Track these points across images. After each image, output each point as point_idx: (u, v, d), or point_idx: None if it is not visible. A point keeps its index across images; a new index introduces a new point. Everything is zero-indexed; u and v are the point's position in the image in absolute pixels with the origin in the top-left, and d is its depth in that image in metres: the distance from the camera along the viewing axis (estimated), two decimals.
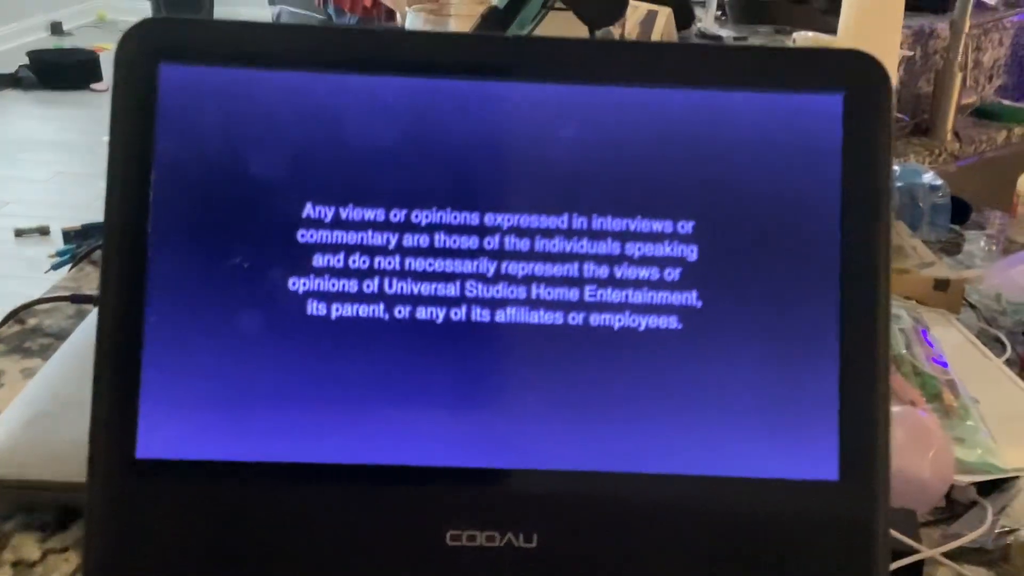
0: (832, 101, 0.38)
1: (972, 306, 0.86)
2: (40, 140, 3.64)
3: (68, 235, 0.79)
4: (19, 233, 2.82)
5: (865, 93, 0.38)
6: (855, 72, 0.38)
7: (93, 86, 4.24)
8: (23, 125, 3.82)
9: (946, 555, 0.50)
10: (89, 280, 0.75)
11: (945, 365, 0.72)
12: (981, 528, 0.53)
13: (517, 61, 0.38)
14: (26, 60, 4.27)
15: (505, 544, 0.37)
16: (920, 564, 0.49)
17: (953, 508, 0.56)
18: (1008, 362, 0.75)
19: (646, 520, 0.37)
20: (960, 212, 1.07)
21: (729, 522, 0.37)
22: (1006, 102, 2.02)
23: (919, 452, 0.55)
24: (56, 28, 5.09)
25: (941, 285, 0.84)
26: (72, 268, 0.76)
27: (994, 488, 0.57)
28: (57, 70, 4.23)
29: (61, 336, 0.65)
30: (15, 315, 0.68)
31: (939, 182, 1.04)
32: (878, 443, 0.37)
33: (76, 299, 0.69)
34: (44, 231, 2.82)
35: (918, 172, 1.05)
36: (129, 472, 0.37)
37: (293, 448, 0.37)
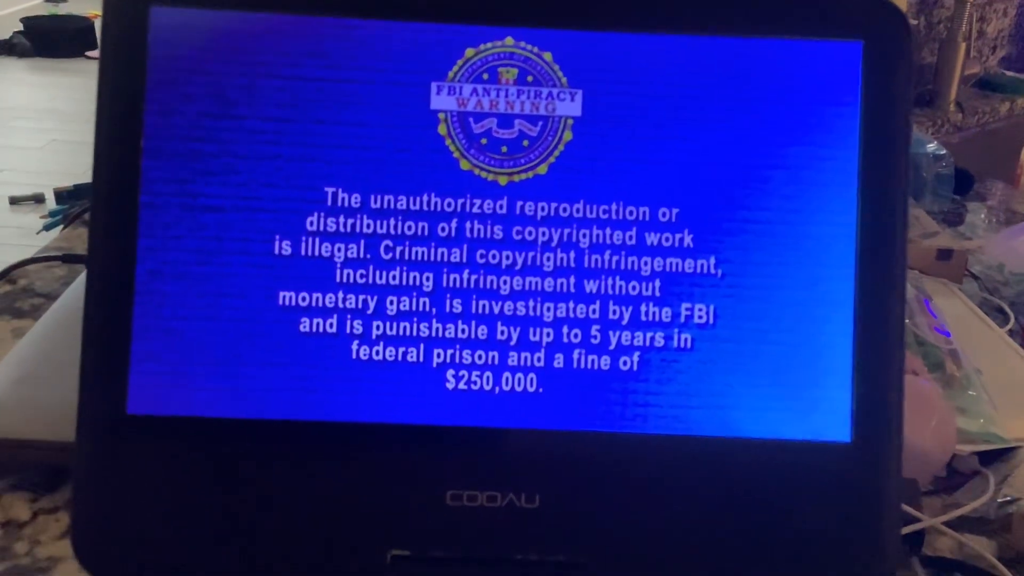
0: (851, 48, 0.37)
1: (974, 276, 0.85)
2: (35, 108, 3.61)
3: (60, 195, 0.79)
4: (14, 201, 2.81)
5: (885, 41, 0.37)
6: (875, 20, 0.37)
7: (88, 53, 4.21)
8: (17, 92, 3.79)
9: (947, 524, 0.50)
10: (81, 240, 0.74)
11: (947, 335, 0.71)
12: (983, 498, 0.52)
13: (509, 4, 0.37)
14: (20, 27, 4.25)
15: (506, 504, 0.36)
16: (921, 533, 0.49)
17: (955, 478, 0.55)
18: (1011, 332, 0.75)
19: (652, 482, 0.37)
20: (962, 183, 1.06)
21: (738, 484, 0.37)
22: (1009, 73, 2.01)
23: (921, 422, 0.55)
24: None
25: (944, 255, 0.84)
26: (64, 228, 0.75)
27: (996, 458, 0.57)
28: (52, 37, 4.21)
29: (52, 296, 0.64)
30: (6, 275, 0.67)
31: (942, 152, 1.03)
32: (891, 406, 0.36)
33: (67, 259, 0.68)
34: (39, 199, 2.80)
35: (922, 142, 1.04)
36: (120, 428, 0.36)
37: (287, 405, 0.36)
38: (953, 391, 0.64)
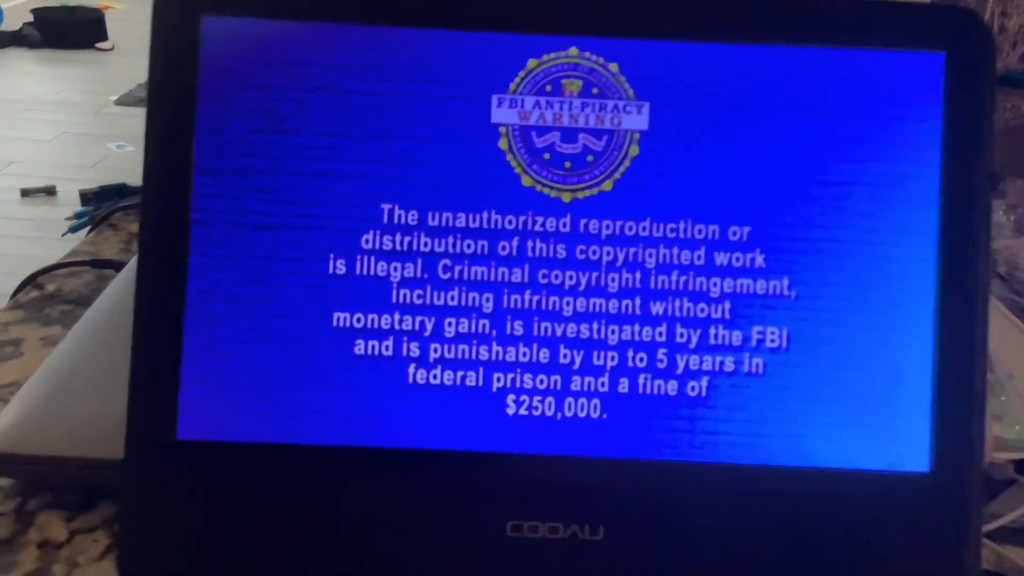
0: (932, 60, 0.35)
1: (1002, 278, 0.84)
2: (45, 99, 3.61)
3: (85, 197, 0.77)
4: (25, 193, 2.80)
5: (968, 52, 0.35)
6: (957, 30, 0.35)
7: (98, 45, 4.20)
8: (28, 84, 3.78)
9: (985, 535, 0.48)
10: (109, 244, 0.72)
11: None
12: (1021, 507, 0.51)
13: (573, 13, 0.36)
14: (31, 18, 4.24)
15: (569, 536, 0.35)
16: None
17: (992, 487, 0.54)
18: None
19: (722, 513, 0.35)
20: None
21: (812, 515, 0.35)
22: None
23: None
24: None
25: None
26: (90, 231, 0.74)
27: None
28: (62, 29, 4.20)
29: (81, 303, 0.63)
30: (32, 280, 0.66)
31: None
32: (972, 435, 0.35)
33: (97, 264, 0.67)
34: (50, 191, 2.80)
35: None
36: (169, 454, 0.35)
37: (341, 431, 0.35)
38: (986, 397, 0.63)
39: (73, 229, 0.75)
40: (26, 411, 0.48)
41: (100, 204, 0.77)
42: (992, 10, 1.72)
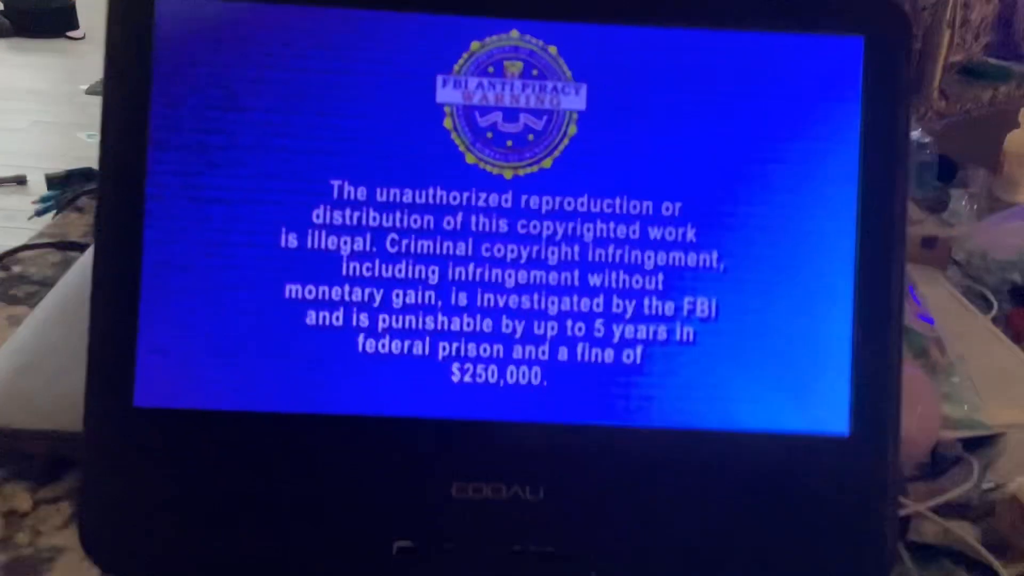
0: (852, 43, 0.37)
1: (958, 263, 0.86)
2: (16, 88, 3.57)
3: (52, 181, 0.78)
4: None
5: (886, 36, 0.37)
6: (876, 15, 0.37)
7: (69, 34, 4.16)
8: None
9: (932, 510, 0.50)
10: (74, 227, 0.73)
11: (931, 322, 0.71)
12: (967, 484, 0.52)
13: None
14: (1, 7, 4.19)
15: (511, 496, 0.36)
16: (907, 519, 0.49)
17: (939, 464, 0.55)
18: (994, 319, 0.75)
19: (655, 474, 0.37)
20: (946, 170, 1.06)
21: (738, 476, 0.37)
22: (993, 60, 2.01)
23: (906, 408, 0.54)
24: None
25: (928, 243, 0.84)
26: (56, 215, 0.75)
27: (979, 444, 0.57)
28: (33, 17, 4.15)
29: (47, 283, 0.64)
30: (0, 262, 0.67)
31: (926, 139, 1.04)
32: (889, 400, 0.37)
33: (62, 246, 0.68)
34: (21, 180, 2.78)
35: None
36: (127, 420, 0.36)
37: (294, 398, 0.36)
38: (937, 378, 0.64)
39: (39, 213, 0.76)
40: None
41: (66, 188, 0.77)
42: (955, 2, 1.74)
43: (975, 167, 1.14)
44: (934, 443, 0.56)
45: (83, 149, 3.03)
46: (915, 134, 1.04)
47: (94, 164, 0.36)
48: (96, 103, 0.36)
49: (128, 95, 0.36)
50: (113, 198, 0.36)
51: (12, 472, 0.48)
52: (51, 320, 0.54)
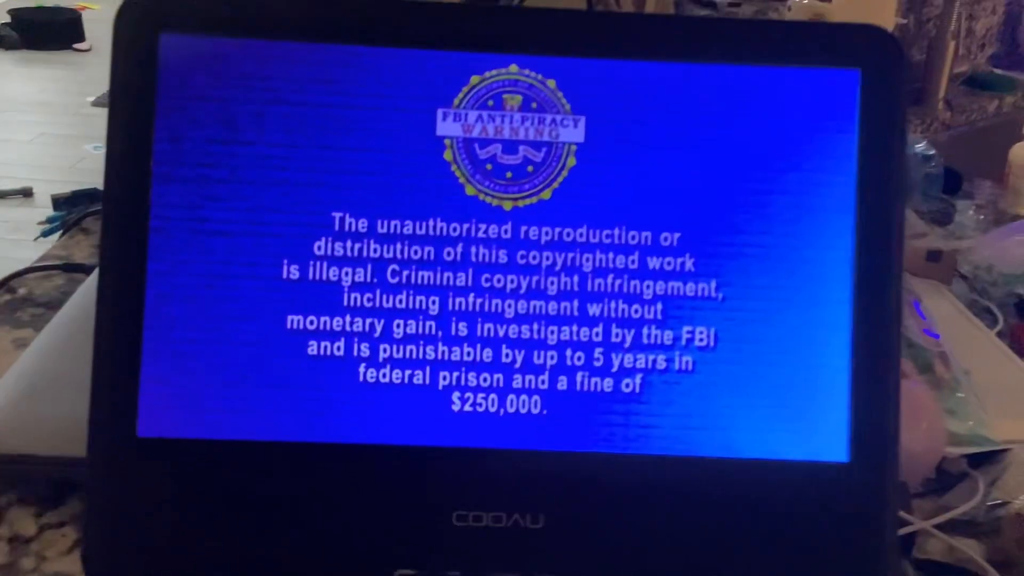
0: (848, 76, 0.37)
1: (964, 277, 0.85)
2: (23, 100, 3.59)
3: (58, 201, 0.78)
4: (2, 195, 2.79)
5: (882, 69, 0.37)
6: (872, 48, 0.37)
7: (76, 46, 4.18)
8: (5, 85, 3.76)
9: (937, 527, 0.50)
10: (80, 248, 0.74)
11: (937, 337, 0.71)
12: (972, 500, 0.52)
13: (513, 33, 0.38)
14: (8, 19, 4.21)
15: (512, 524, 0.37)
16: (912, 536, 0.49)
17: (944, 480, 0.55)
18: (999, 334, 0.75)
19: (655, 502, 0.37)
20: (951, 182, 1.06)
21: (738, 504, 0.37)
22: (998, 71, 2.01)
23: (911, 424, 0.55)
24: None
25: (933, 256, 0.84)
26: (63, 236, 0.75)
27: (985, 460, 0.57)
28: (40, 29, 4.16)
29: (52, 305, 0.64)
30: (5, 284, 0.67)
31: (931, 152, 1.03)
32: (888, 426, 0.37)
33: (68, 268, 0.68)
34: (27, 192, 2.79)
35: (910, 142, 1.04)
36: (131, 451, 0.36)
37: (295, 428, 0.37)
38: (942, 393, 0.64)
39: (45, 233, 0.77)
40: None
41: (72, 209, 0.78)
42: (959, 13, 1.75)
43: (981, 179, 1.14)
44: (939, 459, 0.56)
45: (89, 161, 3.04)
46: (920, 146, 1.03)
47: (99, 176, 0.37)
48: (102, 115, 0.37)
49: (132, 129, 0.37)
50: (117, 231, 0.37)
51: (17, 497, 0.48)
52: (56, 344, 0.55)
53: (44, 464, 0.48)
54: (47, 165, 3.00)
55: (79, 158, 3.05)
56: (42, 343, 0.55)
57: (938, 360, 0.68)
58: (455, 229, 0.37)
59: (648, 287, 0.38)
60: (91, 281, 0.62)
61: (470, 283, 0.37)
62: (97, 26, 4.26)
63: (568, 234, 0.38)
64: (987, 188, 1.12)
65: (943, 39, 1.73)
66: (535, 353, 0.37)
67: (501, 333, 0.37)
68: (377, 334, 0.37)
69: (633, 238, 0.38)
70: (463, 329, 0.37)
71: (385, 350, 0.37)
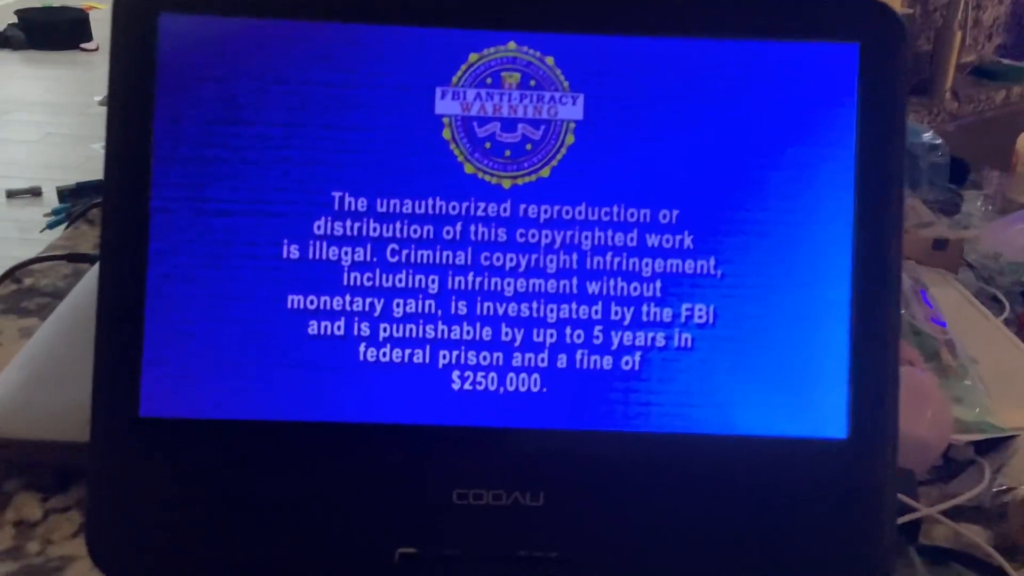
0: (847, 51, 0.37)
1: (970, 266, 0.85)
2: (30, 101, 3.60)
3: (63, 194, 0.79)
4: (11, 194, 2.80)
5: (881, 43, 0.37)
6: (871, 22, 0.37)
7: (83, 45, 4.19)
8: (13, 85, 3.77)
9: (944, 513, 0.50)
10: (85, 239, 0.74)
11: (943, 325, 0.71)
12: (979, 487, 0.52)
13: (511, 10, 0.38)
14: (15, 19, 4.22)
15: (512, 502, 0.37)
16: (918, 522, 0.49)
17: (951, 467, 0.55)
18: (1006, 321, 0.75)
19: (654, 479, 0.37)
20: (958, 172, 1.06)
21: (738, 480, 0.37)
22: (1005, 61, 2.01)
23: (917, 411, 0.55)
24: None
25: (940, 245, 0.84)
26: (68, 227, 0.75)
27: (991, 447, 0.57)
28: (46, 29, 4.18)
29: (58, 295, 0.65)
30: (11, 274, 0.68)
31: (938, 141, 1.03)
32: (887, 403, 0.37)
33: (72, 258, 0.69)
34: (36, 192, 2.79)
35: (917, 132, 1.04)
36: (132, 431, 0.36)
37: (296, 407, 0.37)
38: (949, 381, 0.64)
39: (51, 225, 0.77)
40: (2, 397, 0.50)
41: (77, 200, 0.78)
42: (966, 3, 1.74)
43: (988, 169, 1.14)
44: (946, 446, 0.56)
45: (97, 160, 3.02)
46: (927, 136, 1.03)
47: None
48: None
49: (132, 109, 0.37)
50: (118, 212, 0.37)
51: (23, 482, 0.48)
52: (61, 332, 0.55)
53: (50, 449, 0.48)
54: (55, 165, 3.01)
55: (87, 157, 3.06)
56: (47, 331, 0.56)
57: (945, 348, 0.68)
58: (454, 208, 0.37)
59: (647, 265, 0.38)
60: (95, 270, 0.62)
61: (469, 262, 0.37)
62: (104, 26, 4.25)
63: (567, 212, 0.38)
64: (994, 178, 1.11)
65: (950, 29, 1.73)
66: (535, 331, 0.37)
67: (501, 311, 0.37)
68: (377, 313, 0.37)
69: (632, 215, 0.38)
70: (463, 308, 0.37)
71: (385, 329, 0.37)
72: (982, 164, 1.14)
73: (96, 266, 0.63)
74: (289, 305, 0.37)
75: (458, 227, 0.37)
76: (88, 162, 3.03)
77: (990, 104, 1.84)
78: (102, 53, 4.13)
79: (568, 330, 0.37)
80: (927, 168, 1.02)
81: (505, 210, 0.37)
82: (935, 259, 0.83)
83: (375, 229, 0.37)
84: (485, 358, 0.37)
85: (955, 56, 1.74)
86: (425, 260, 0.37)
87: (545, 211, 0.37)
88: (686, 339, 0.38)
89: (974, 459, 0.56)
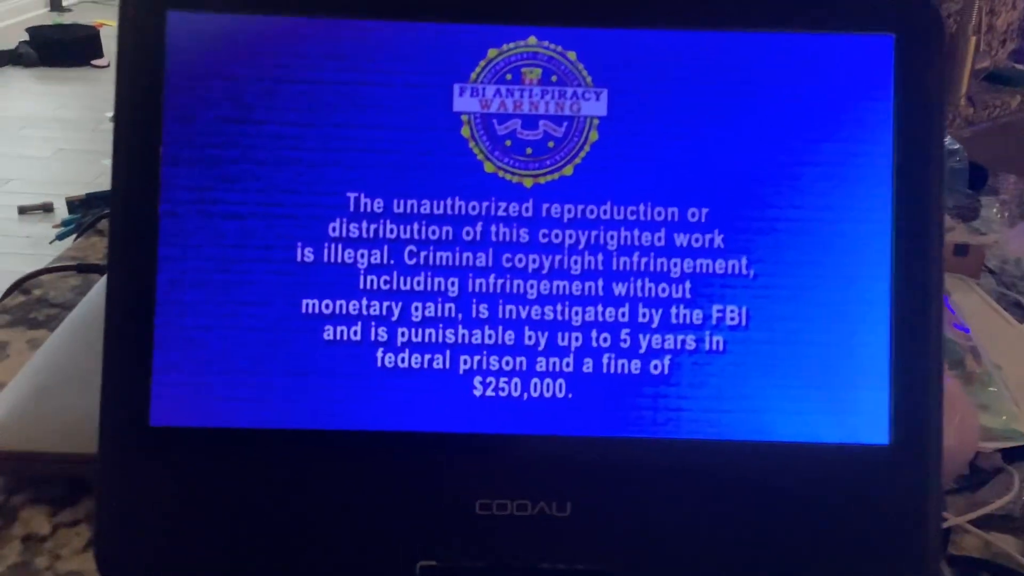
0: (882, 42, 0.36)
1: (991, 271, 0.85)
2: (42, 117, 3.62)
3: (72, 204, 0.78)
4: (23, 211, 2.80)
5: (917, 34, 0.36)
6: (906, 12, 0.36)
7: (94, 62, 4.21)
8: (24, 102, 3.80)
9: (972, 523, 0.49)
10: (95, 250, 0.73)
11: (967, 331, 0.70)
12: (1008, 495, 0.51)
13: (532, 3, 0.37)
14: (26, 36, 4.25)
15: (537, 513, 0.35)
16: (947, 532, 0.48)
17: (978, 475, 0.54)
18: None
19: (686, 488, 0.36)
20: (976, 177, 1.05)
21: (774, 489, 0.36)
22: (1019, 66, 1.99)
23: (944, 419, 0.54)
24: (56, 4, 5.06)
25: (961, 250, 0.83)
26: (77, 238, 0.75)
27: (1019, 455, 0.56)
28: (58, 46, 4.21)
29: (67, 307, 0.64)
30: (20, 285, 0.67)
31: (956, 146, 1.03)
32: (930, 407, 0.36)
33: (82, 269, 0.68)
34: (48, 208, 2.80)
35: None
36: (143, 440, 0.35)
37: (312, 415, 0.36)
38: (974, 388, 0.63)
39: (60, 236, 0.76)
40: (10, 409, 0.49)
41: (87, 211, 0.78)
42: (980, 8, 1.73)
43: (1005, 174, 1.13)
44: (973, 455, 0.55)
45: (108, 176, 3.05)
46: (945, 140, 1.02)
47: None
48: None
49: (140, 110, 0.36)
50: (126, 216, 0.36)
51: (31, 496, 0.47)
52: (70, 343, 0.54)
53: (58, 462, 0.47)
54: (67, 181, 3.02)
55: (98, 173, 3.07)
56: (55, 342, 0.55)
57: (969, 354, 0.67)
58: (474, 208, 0.36)
59: (676, 265, 0.36)
60: (105, 281, 0.61)
61: (490, 263, 0.36)
62: (115, 42, 4.29)
63: (592, 211, 0.36)
64: (1012, 183, 1.11)
65: (964, 35, 1.71)
66: (559, 335, 0.36)
67: (524, 315, 0.36)
68: (395, 317, 0.36)
69: (659, 214, 0.36)
70: (484, 311, 0.36)
71: (403, 334, 0.36)
72: (1000, 169, 1.13)
73: (106, 277, 0.63)
74: (303, 310, 0.36)
75: (478, 228, 0.36)
76: (99, 178, 3.03)
77: (1006, 109, 1.82)
78: (113, 70, 4.16)
79: (594, 333, 0.36)
80: (945, 174, 1.01)
81: (527, 210, 0.36)
82: (956, 265, 0.83)
83: (392, 230, 0.36)
84: (508, 363, 0.36)
85: (970, 62, 1.73)
86: (444, 262, 0.36)
87: (569, 210, 0.36)
88: (718, 342, 0.36)
89: (1002, 467, 0.56)
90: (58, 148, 3.31)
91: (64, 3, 5.09)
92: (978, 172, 1.05)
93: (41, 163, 3.20)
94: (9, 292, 0.66)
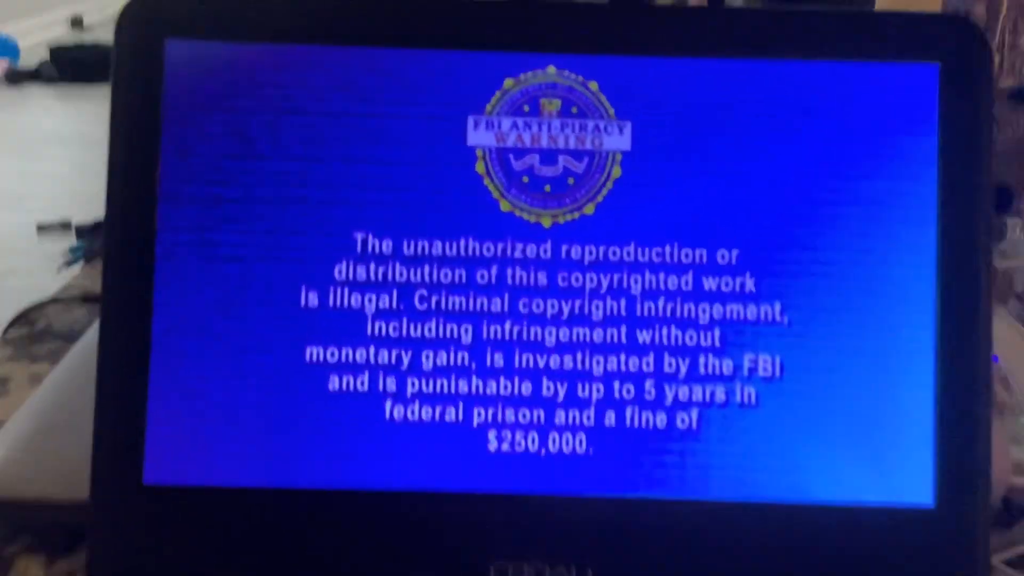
0: (926, 71, 0.34)
1: (1019, 298, 0.83)
2: (62, 135, 3.64)
3: (81, 231, 0.77)
4: (41, 228, 2.82)
5: (963, 63, 0.34)
6: (952, 39, 0.34)
7: None
8: (45, 119, 3.83)
9: (1006, 562, 0.47)
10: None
11: (995, 359, 0.68)
12: None
13: (551, 30, 0.35)
14: (47, 55, 4.30)
15: None
16: None
17: (1011, 512, 0.52)
18: None
19: (715, 553, 0.34)
20: (1002, 199, 1.03)
21: (811, 554, 0.34)
22: None
23: None
24: (77, 22, 5.12)
25: None
26: (85, 264, 0.73)
27: None
28: (78, 64, 4.26)
29: (71, 338, 0.62)
30: (23, 317, 0.65)
31: None
32: (978, 466, 0.34)
33: (88, 299, 0.66)
34: (67, 226, 2.81)
35: None
36: (135, 499, 0.34)
37: (315, 473, 0.34)
38: (1005, 419, 0.62)
39: (68, 263, 0.75)
40: (8, 452, 0.47)
41: (95, 238, 0.76)
42: (1003, 26, 1.71)
43: None
44: (1006, 490, 0.53)
45: None
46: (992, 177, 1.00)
47: None
48: None
49: (135, 144, 0.34)
50: (120, 257, 0.34)
51: (26, 544, 0.45)
52: (71, 380, 0.52)
53: (55, 509, 0.45)
54: (86, 198, 3.03)
55: None
56: (56, 379, 0.53)
57: (999, 384, 0.65)
58: (489, 249, 0.34)
59: (704, 311, 0.34)
60: None
61: (506, 309, 0.34)
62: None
63: (614, 253, 0.34)
64: None
65: None
66: (579, 386, 0.34)
67: (541, 364, 0.34)
68: (404, 366, 0.34)
69: (687, 256, 0.34)
70: (499, 360, 0.34)
71: (413, 384, 0.34)
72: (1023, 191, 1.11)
73: None
74: (308, 358, 0.34)
75: (493, 270, 0.34)
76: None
77: None
78: None
79: (617, 384, 0.34)
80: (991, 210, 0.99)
81: (545, 251, 0.34)
82: None
83: (402, 273, 0.34)
84: (525, 416, 0.34)
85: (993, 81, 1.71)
86: (457, 307, 0.34)
87: (590, 252, 0.34)
88: (749, 394, 0.34)
89: None
90: (78, 165, 3.33)
91: (85, 22, 5.15)
92: (1004, 194, 1.03)
93: (60, 181, 3.22)
94: (11, 324, 0.65)
